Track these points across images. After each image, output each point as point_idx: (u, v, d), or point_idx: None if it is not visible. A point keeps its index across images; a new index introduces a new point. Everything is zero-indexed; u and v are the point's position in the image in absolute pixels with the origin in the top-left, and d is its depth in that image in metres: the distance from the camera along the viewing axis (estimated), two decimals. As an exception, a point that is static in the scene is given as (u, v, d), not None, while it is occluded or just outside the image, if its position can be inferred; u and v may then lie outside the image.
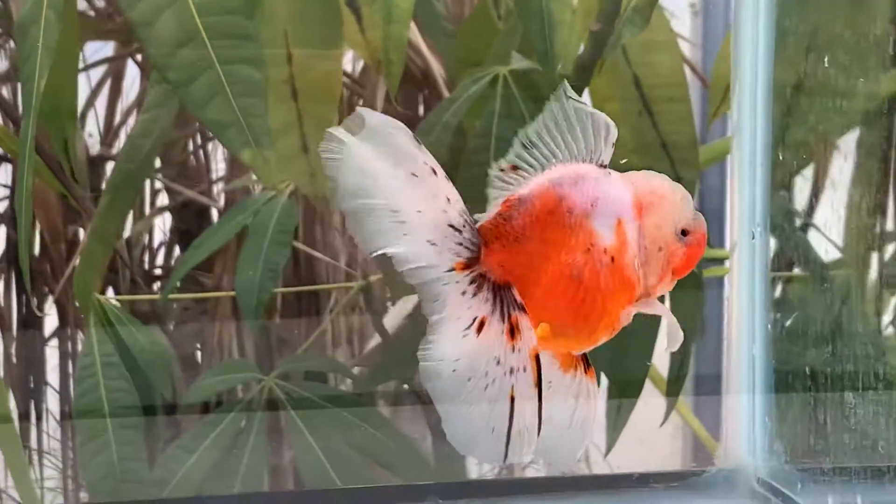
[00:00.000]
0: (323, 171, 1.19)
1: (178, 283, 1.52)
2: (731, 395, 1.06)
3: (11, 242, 1.49)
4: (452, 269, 0.55)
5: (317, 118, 1.16)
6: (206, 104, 1.02)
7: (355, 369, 1.37)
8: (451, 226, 0.55)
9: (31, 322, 1.50)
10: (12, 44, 1.48)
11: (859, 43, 1.05)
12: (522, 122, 1.20)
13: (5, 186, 1.51)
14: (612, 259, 0.56)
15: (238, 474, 1.18)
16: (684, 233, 0.58)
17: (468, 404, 0.55)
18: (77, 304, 1.18)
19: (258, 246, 1.20)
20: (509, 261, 0.56)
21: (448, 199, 0.55)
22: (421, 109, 1.50)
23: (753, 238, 1.05)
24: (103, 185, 1.36)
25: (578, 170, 0.57)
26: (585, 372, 0.59)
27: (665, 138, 1.26)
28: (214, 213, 1.61)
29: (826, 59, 1.03)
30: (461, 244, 0.55)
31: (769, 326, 1.03)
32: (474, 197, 1.18)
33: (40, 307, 1.50)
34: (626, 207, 0.57)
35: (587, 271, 0.56)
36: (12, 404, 1.38)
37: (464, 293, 0.55)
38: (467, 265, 0.55)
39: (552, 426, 0.57)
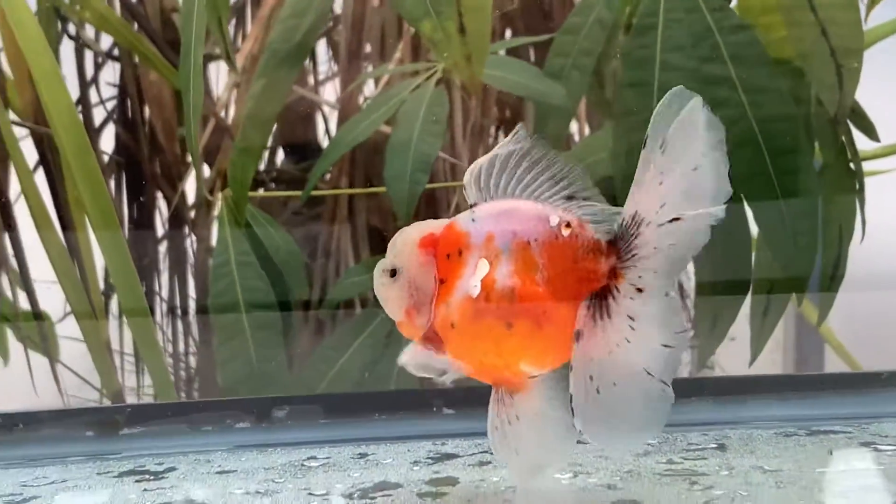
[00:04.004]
0: (478, 56, 1.06)
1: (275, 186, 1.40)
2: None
3: (121, 143, 1.35)
4: None
5: (474, 2, 1.01)
6: (385, -28, 0.87)
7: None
8: None
9: (142, 223, 1.37)
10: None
11: None
12: (695, 5, 1.06)
13: (114, 86, 1.36)
14: None
15: (392, 374, 1.06)
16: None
17: None
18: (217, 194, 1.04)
19: (407, 136, 1.06)
20: None
21: None
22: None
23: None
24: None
25: None
26: None
27: (825, 25, 1.11)
28: (319, 117, 1.47)
29: None
30: None
31: None
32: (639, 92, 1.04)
33: (150, 208, 1.37)
34: None
35: None
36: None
37: None
38: None
39: None
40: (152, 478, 0.74)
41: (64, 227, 1.21)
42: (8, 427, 0.77)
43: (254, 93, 0.97)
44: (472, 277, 0.63)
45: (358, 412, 0.85)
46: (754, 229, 1.07)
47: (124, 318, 1.37)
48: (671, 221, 0.61)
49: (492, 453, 0.76)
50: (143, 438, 0.80)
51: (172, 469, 0.75)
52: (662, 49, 1.03)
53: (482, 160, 0.66)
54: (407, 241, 0.67)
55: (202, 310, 1.38)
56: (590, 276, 0.63)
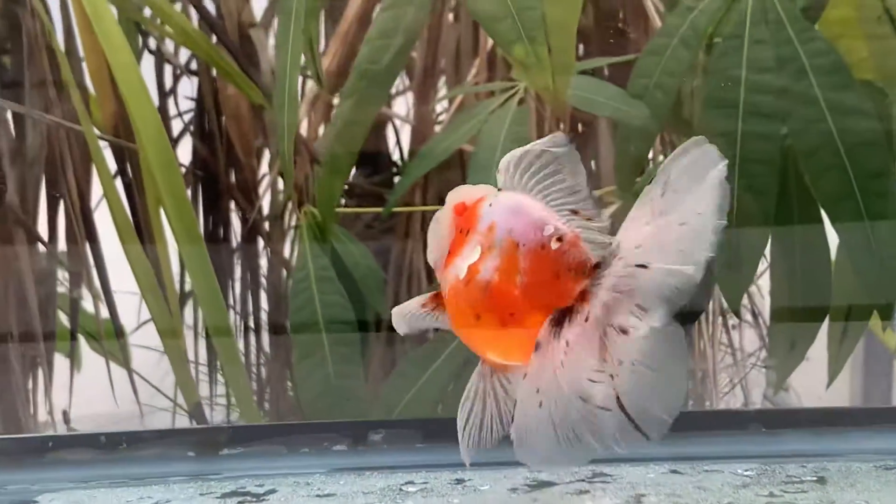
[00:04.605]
0: (563, 76, 1.06)
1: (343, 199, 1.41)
2: None
3: (198, 156, 1.37)
4: None
5: (559, 20, 1.01)
6: (478, -4, 0.88)
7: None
8: None
9: (215, 237, 1.38)
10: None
11: None
12: (781, 26, 1.06)
13: (192, 99, 1.38)
14: None
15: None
16: None
17: None
18: (309, 213, 1.05)
19: (489, 156, 1.06)
20: None
21: None
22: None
23: None
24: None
25: None
26: None
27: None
28: (390, 130, 1.48)
29: None
30: None
31: None
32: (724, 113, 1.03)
33: (226, 222, 1.38)
34: None
35: None
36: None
37: None
38: None
39: None
40: (254, 499, 0.75)
41: (141, 240, 1.23)
42: (112, 446, 0.78)
43: (341, 113, 0.98)
44: (463, 260, 0.64)
45: (454, 437, 0.85)
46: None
47: (197, 328, 1.40)
48: (638, 266, 0.60)
49: (589, 482, 0.77)
50: (243, 459, 0.81)
51: (273, 491, 0.76)
52: (748, 70, 1.03)
53: (518, 150, 0.66)
54: (450, 198, 0.69)
55: (276, 323, 1.40)
56: (567, 293, 0.63)
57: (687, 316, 1.11)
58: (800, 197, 1.09)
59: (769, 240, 1.05)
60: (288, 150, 0.86)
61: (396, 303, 1.27)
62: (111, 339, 1.29)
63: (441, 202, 1.27)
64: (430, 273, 1.32)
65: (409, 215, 1.31)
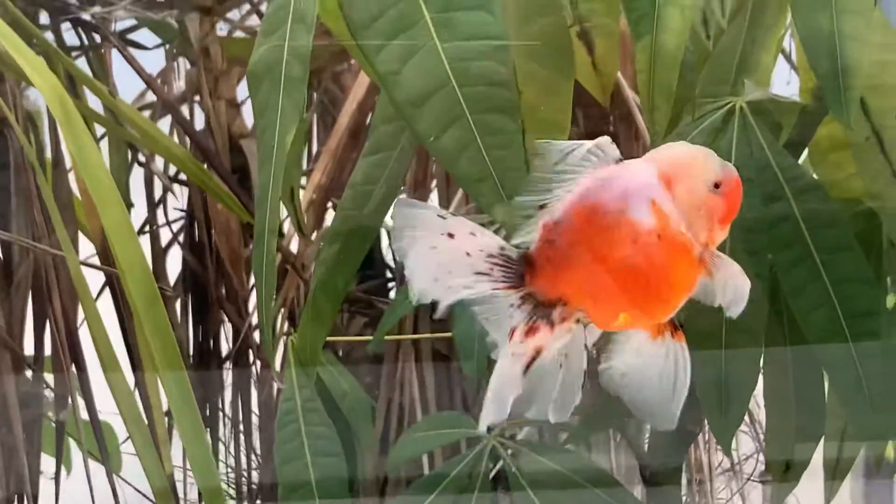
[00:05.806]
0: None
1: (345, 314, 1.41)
2: None
3: (188, 268, 1.38)
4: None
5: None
6: (457, 157, 0.88)
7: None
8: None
9: (205, 349, 1.39)
10: (187, 64, 1.36)
11: None
12: (761, 151, 1.05)
13: (181, 210, 1.39)
14: (659, 236, 0.59)
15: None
16: (717, 185, 0.61)
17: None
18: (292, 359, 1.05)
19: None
20: (560, 278, 0.59)
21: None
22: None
23: None
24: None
25: (599, 175, 0.59)
26: (673, 336, 0.62)
27: (896, 166, 1.10)
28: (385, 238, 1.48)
29: None
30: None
31: None
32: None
33: (216, 335, 1.39)
34: (653, 187, 0.59)
35: (641, 258, 0.59)
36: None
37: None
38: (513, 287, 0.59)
39: (647, 387, 0.61)
40: None
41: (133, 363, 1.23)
42: None
43: (324, 259, 0.98)
44: None
45: None
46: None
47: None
48: None
49: None
50: None
51: None
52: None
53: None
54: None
55: (265, 431, 1.40)
56: None
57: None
58: (791, 324, 1.08)
59: (758, 382, 1.05)
60: (267, 319, 0.87)
61: (387, 432, 1.28)
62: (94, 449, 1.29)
63: (435, 328, 1.27)
64: (424, 397, 1.31)
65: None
